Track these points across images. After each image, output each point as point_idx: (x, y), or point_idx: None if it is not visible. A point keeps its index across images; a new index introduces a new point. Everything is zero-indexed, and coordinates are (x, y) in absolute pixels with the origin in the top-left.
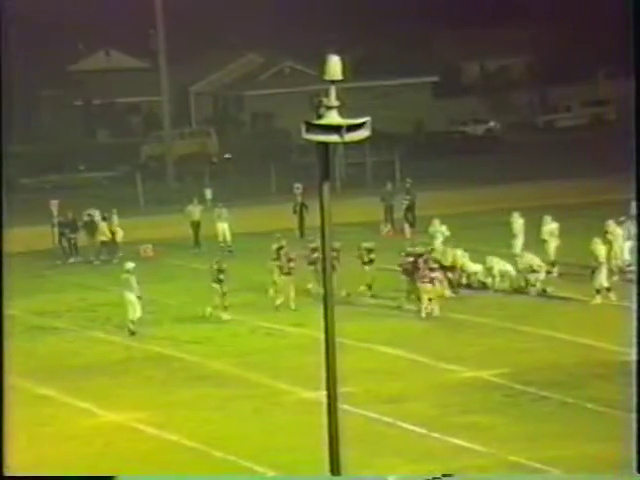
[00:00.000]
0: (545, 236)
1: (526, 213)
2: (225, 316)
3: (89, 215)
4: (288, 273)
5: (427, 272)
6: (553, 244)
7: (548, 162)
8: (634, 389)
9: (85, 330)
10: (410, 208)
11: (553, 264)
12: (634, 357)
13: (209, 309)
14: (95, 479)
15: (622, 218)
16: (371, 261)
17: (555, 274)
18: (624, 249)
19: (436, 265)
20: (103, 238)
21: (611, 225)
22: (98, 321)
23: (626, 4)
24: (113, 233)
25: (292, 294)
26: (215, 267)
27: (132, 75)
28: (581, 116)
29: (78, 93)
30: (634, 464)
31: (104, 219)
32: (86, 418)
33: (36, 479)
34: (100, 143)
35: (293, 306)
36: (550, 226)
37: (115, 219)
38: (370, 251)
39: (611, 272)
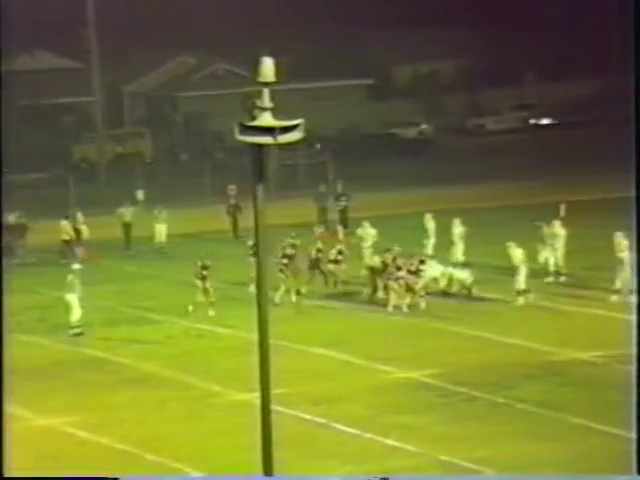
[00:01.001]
0: (455, 238)
1: (455, 215)
2: (210, 312)
3: (18, 217)
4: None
5: (395, 272)
6: (460, 246)
7: (478, 165)
8: (563, 388)
9: (14, 333)
10: (344, 210)
11: (464, 265)
12: (564, 357)
13: (191, 306)
14: (95, 479)
15: (538, 223)
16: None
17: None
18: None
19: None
20: (65, 237)
21: (545, 228)
22: (28, 324)
23: (555, 8)
24: (78, 232)
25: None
26: (199, 264)
27: (64, 75)
28: (510, 120)
29: (6, 94)
30: (634, 464)
31: (66, 218)
32: (16, 422)
33: (36, 479)
34: (31, 144)
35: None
36: (459, 229)
37: (80, 217)
38: (319, 251)
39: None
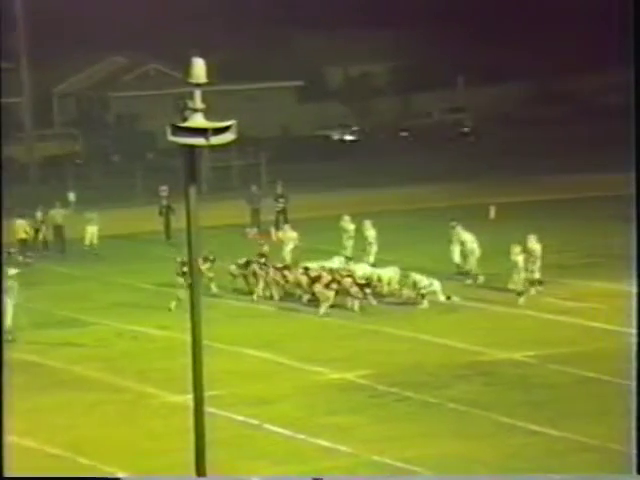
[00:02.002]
0: (370, 239)
1: (386, 217)
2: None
3: None
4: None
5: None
6: (374, 248)
7: (410, 167)
8: (489, 385)
9: None
10: (282, 211)
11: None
12: (495, 357)
13: (173, 303)
14: (95, 479)
15: (453, 223)
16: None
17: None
18: (455, 253)
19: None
20: (23, 236)
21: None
22: None
23: (488, 10)
24: (37, 231)
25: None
26: (179, 260)
27: None
28: (440, 122)
29: None
30: (634, 464)
31: (21, 217)
32: None
33: (36, 479)
34: None
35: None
36: (371, 231)
37: (39, 215)
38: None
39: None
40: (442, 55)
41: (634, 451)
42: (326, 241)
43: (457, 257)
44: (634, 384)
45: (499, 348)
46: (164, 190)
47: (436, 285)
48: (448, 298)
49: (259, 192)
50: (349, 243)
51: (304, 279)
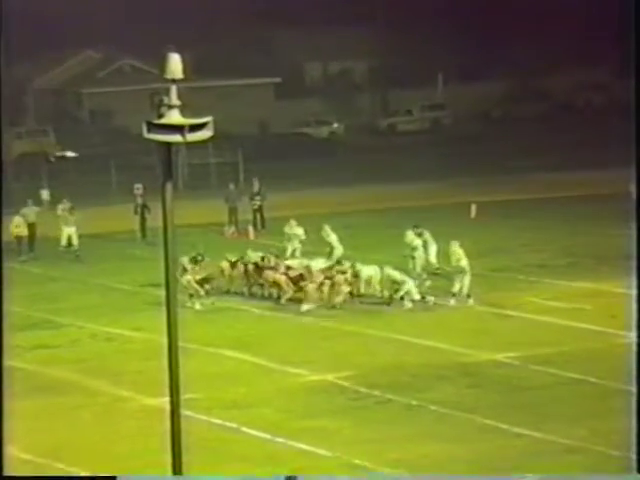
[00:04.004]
0: (334, 244)
1: (365, 215)
2: (197, 306)
3: None
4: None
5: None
6: (337, 252)
7: (389, 165)
8: (469, 387)
9: None
10: (259, 210)
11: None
12: (478, 358)
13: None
14: (95, 479)
15: (419, 230)
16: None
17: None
18: (431, 254)
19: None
20: (21, 233)
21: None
22: None
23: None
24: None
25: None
26: (189, 257)
27: None
28: (421, 120)
29: None
30: (634, 464)
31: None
32: None
33: (36, 479)
34: None
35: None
36: (332, 236)
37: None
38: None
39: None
40: (422, 52)
41: (634, 451)
42: (306, 240)
43: (433, 258)
44: (634, 385)
45: (482, 349)
46: (139, 188)
47: (410, 284)
48: (423, 298)
49: (236, 190)
50: (295, 246)
51: (285, 278)
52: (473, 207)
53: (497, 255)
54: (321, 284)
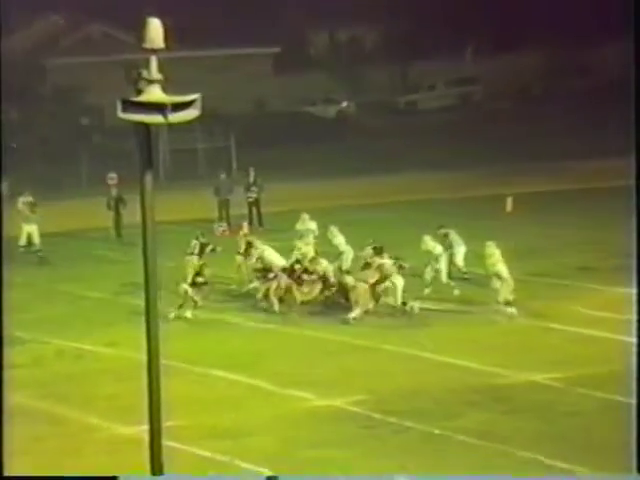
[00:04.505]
0: (342, 248)
1: (381, 210)
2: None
3: None
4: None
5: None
6: (348, 256)
7: (410, 150)
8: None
9: None
10: (255, 203)
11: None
12: (514, 380)
13: (187, 311)
14: (95, 479)
15: (444, 230)
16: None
17: None
18: (459, 257)
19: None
20: None
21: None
22: None
23: None
24: None
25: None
26: (198, 241)
27: None
28: (446, 96)
29: None
30: (634, 464)
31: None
32: None
33: (36, 479)
34: None
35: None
36: (339, 238)
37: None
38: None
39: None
40: (448, 17)
41: (634, 451)
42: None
43: (460, 261)
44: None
45: (518, 369)
46: (113, 178)
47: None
48: (404, 304)
49: (229, 180)
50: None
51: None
52: (509, 200)
53: (537, 256)
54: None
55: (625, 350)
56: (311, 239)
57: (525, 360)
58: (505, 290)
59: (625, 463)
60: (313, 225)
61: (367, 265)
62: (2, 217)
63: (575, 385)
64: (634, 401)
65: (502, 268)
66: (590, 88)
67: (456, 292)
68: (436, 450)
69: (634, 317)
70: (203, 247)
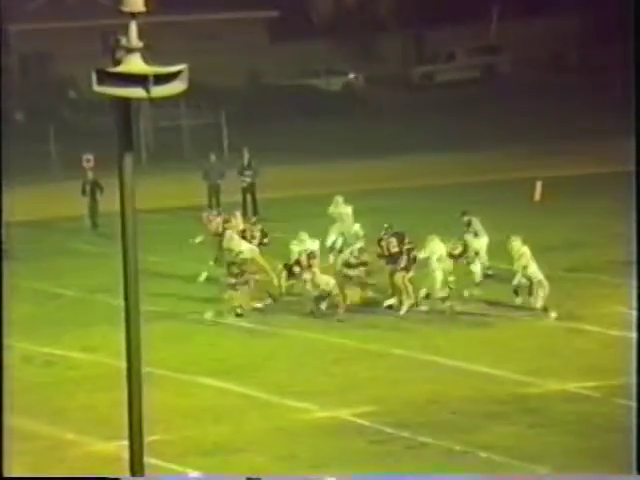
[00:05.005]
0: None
1: (392, 197)
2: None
3: None
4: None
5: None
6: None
7: (424, 129)
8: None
9: None
10: (250, 189)
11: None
12: (543, 389)
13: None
14: (95, 479)
15: (468, 217)
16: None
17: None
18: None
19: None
20: None
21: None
22: None
23: None
24: None
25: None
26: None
27: None
28: (468, 67)
29: None
30: (634, 464)
31: None
32: None
33: (36, 479)
34: None
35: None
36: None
37: None
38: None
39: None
40: None
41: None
42: (312, 230)
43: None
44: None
45: (549, 376)
46: (89, 160)
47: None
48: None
49: (219, 163)
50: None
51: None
52: (538, 185)
53: (571, 249)
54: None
55: None
56: (347, 225)
57: (556, 367)
58: (542, 294)
59: None
60: (348, 209)
61: (395, 254)
62: (2, 221)
63: (614, 395)
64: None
65: (535, 269)
66: (631, 58)
67: (476, 292)
68: (457, 468)
69: None
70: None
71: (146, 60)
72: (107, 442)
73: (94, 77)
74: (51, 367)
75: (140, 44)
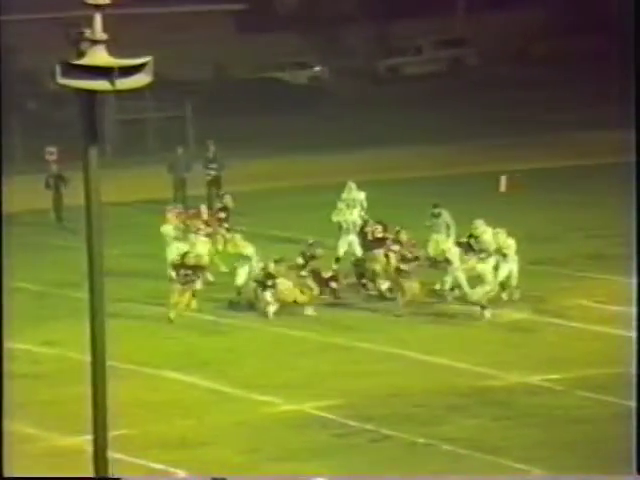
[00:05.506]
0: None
1: (366, 188)
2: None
3: None
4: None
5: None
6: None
7: (390, 122)
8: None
9: None
10: (215, 182)
11: None
12: (507, 382)
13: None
14: (96, 479)
15: (438, 210)
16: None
17: None
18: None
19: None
20: None
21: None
22: None
23: None
24: None
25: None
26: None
27: None
28: (434, 60)
29: None
30: (634, 464)
31: None
32: None
33: (36, 479)
34: None
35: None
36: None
37: None
38: None
39: None
40: None
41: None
42: (279, 224)
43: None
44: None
45: (512, 369)
46: (52, 153)
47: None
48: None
49: (185, 156)
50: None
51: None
52: (503, 178)
53: (537, 243)
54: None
55: (635, 349)
56: (358, 210)
57: (520, 359)
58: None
59: None
60: (361, 195)
61: (378, 240)
62: (2, 218)
63: (577, 388)
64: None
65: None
66: (599, 49)
67: (437, 287)
68: (420, 460)
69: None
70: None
71: (110, 52)
72: (71, 436)
73: (58, 69)
74: (12, 362)
75: (105, 36)
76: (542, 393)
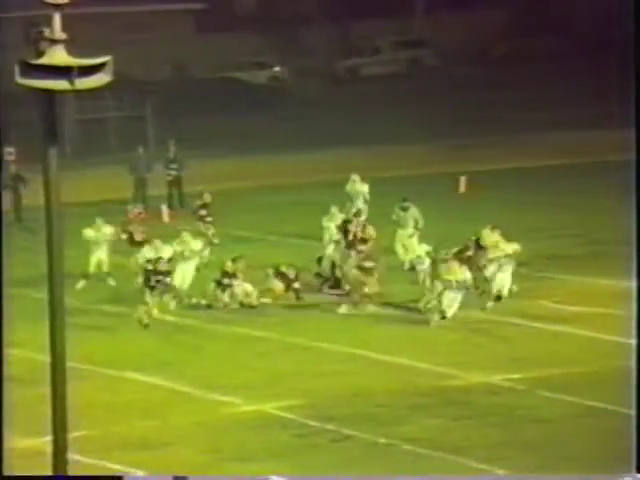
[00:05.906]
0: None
1: (317, 190)
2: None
3: None
4: None
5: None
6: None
7: (350, 122)
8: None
9: None
10: (176, 182)
11: None
12: (468, 381)
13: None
14: (97, 479)
15: (406, 204)
16: None
17: None
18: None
19: None
20: None
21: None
22: None
23: None
24: None
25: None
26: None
27: None
28: (393, 61)
29: None
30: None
31: None
32: None
33: (36, 479)
34: None
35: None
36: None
37: None
38: None
39: None
40: None
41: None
42: (244, 224)
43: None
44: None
45: (473, 369)
46: (11, 153)
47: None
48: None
49: (145, 156)
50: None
51: None
52: (462, 179)
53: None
54: None
55: (595, 349)
56: (362, 203)
57: (481, 359)
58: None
59: None
60: (365, 188)
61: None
62: (2, 222)
63: (538, 388)
64: (604, 405)
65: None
66: (562, 50)
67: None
68: (381, 460)
69: (611, 312)
70: None
71: (70, 52)
72: (29, 438)
73: (17, 69)
74: None
75: (64, 36)
76: (503, 393)
